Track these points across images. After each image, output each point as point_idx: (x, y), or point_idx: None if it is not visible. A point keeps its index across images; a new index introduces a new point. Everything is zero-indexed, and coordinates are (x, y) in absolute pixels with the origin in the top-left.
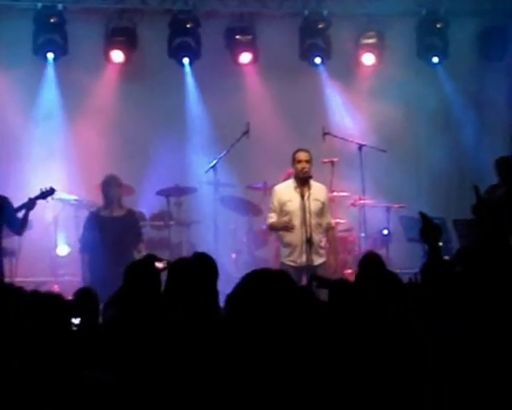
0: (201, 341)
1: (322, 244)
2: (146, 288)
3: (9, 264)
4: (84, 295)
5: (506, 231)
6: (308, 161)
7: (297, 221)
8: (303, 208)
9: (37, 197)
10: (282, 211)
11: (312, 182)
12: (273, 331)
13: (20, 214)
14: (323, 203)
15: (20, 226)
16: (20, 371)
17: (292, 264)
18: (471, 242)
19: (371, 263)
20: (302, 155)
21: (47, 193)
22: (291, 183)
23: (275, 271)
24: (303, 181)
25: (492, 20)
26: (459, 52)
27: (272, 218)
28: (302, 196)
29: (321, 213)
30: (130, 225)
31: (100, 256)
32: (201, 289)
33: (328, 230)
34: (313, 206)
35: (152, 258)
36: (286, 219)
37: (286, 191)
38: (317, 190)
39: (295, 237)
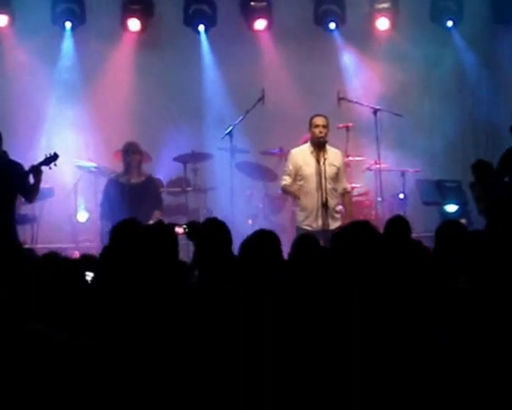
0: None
1: (338, 209)
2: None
3: (30, 231)
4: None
5: None
6: (325, 126)
7: (313, 186)
8: (319, 173)
9: (41, 164)
10: (297, 175)
11: (328, 147)
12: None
13: (31, 181)
14: (339, 168)
15: (30, 193)
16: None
17: (307, 228)
18: (487, 204)
19: (399, 226)
20: (319, 120)
21: (50, 159)
22: (307, 147)
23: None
24: (319, 146)
25: None
26: (473, 15)
27: (286, 181)
28: (318, 161)
29: (336, 178)
30: (149, 191)
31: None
32: (213, 255)
33: (344, 194)
34: (329, 171)
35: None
36: (301, 183)
37: (302, 155)
38: (333, 155)
39: (311, 201)
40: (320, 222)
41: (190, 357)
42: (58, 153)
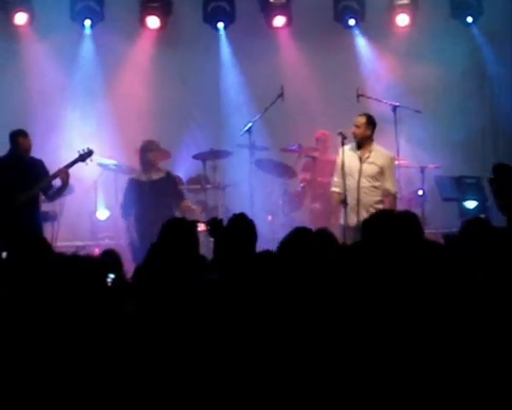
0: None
1: (379, 207)
2: (186, 248)
3: (51, 228)
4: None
5: None
6: (358, 126)
7: (350, 182)
8: (358, 170)
9: (75, 161)
10: (342, 172)
11: (377, 147)
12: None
13: (58, 183)
14: (381, 168)
15: (53, 195)
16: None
17: (344, 224)
18: (507, 200)
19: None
20: (356, 119)
21: (85, 155)
22: (354, 145)
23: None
24: (358, 144)
25: None
26: (493, 11)
27: (334, 183)
28: (360, 159)
29: (377, 176)
30: (169, 186)
31: (144, 219)
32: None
33: (386, 196)
34: (367, 169)
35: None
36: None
37: (347, 153)
38: (378, 154)
39: (350, 197)
40: (355, 218)
41: (207, 354)
42: (79, 149)
